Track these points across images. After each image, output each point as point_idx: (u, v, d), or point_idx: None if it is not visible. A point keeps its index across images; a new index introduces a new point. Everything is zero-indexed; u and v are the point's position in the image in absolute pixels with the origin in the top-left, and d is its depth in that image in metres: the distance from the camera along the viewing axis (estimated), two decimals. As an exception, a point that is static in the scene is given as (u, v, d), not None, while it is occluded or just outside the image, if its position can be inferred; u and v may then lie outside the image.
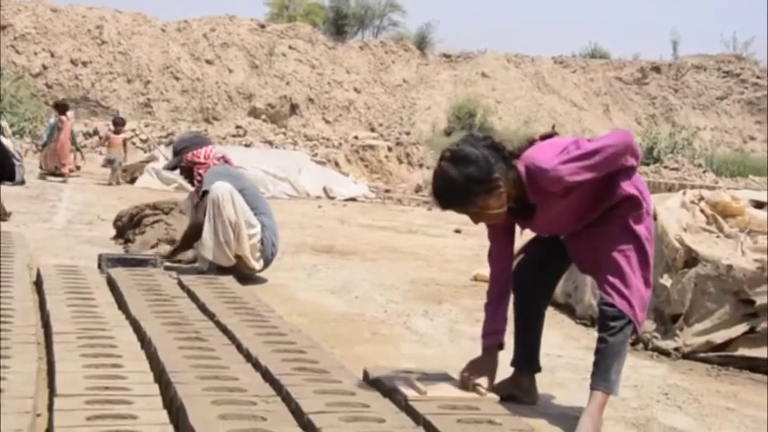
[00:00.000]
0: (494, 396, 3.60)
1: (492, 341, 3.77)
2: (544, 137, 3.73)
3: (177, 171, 7.08)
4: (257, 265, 6.55)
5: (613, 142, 3.53)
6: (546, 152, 3.54)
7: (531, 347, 3.95)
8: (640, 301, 3.57)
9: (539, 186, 3.51)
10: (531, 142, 3.68)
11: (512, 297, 3.89)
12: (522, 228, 3.80)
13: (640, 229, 3.59)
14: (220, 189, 6.37)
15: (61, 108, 17.73)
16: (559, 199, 3.55)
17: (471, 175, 3.43)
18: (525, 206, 3.61)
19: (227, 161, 6.87)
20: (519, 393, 3.88)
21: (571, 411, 3.88)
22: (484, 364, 3.74)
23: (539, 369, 3.98)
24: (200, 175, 6.67)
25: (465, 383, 3.66)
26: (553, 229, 3.81)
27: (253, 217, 6.50)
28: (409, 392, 3.45)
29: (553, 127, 3.99)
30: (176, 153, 6.89)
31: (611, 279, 3.55)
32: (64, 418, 2.85)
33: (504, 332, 3.79)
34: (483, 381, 3.69)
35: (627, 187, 3.58)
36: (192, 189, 6.92)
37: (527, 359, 3.94)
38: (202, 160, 6.72)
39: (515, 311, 3.94)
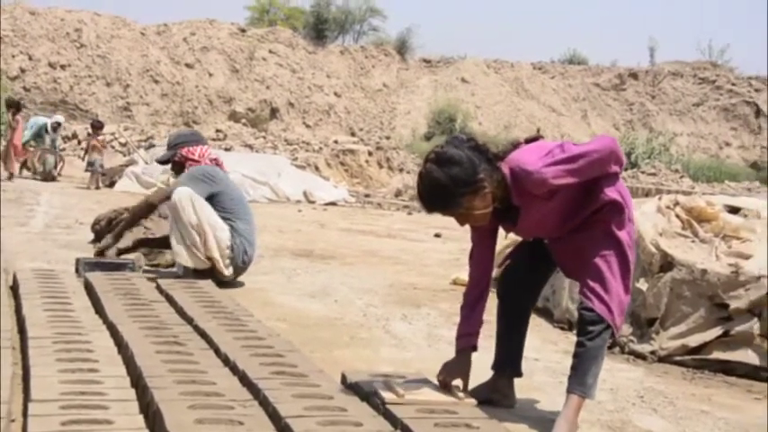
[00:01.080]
0: (471, 400, 3.62)
1: (466, 343, 3.79)
2: (529, 140, 3.74)
3: (169, 166, 7.06)
4: (226, 271, 6.48)
5: (598, 147, 3.55)
6: (531, 154, 3.55)
7: (513, 352, 3.95)
8: (619, 307, 3.56)
9: (523, 188, 3.52)
10: (515, 145, 3.69)
11: (496, 302, 3.91)
12: (507, 231, 3.81)
13: (622, 234, 3.59)
14: (179, 194, 6.38)
15: (15, 107, 17.76)
16: (543, 202, 3.57)
17: (456, 176, 3.44)
18: (509, 208, 3.62)
19: (218, 164, 6.83)
20: (497, 396, 3.89)
21: (549, 415, 3.90)
22: (458, 366, 3.77)
23: (519, 374, 3.97)
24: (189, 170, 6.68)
25: (442, 386, 3.69)
26: (537, 233, 3.82)
27: (219, 220, 6.46)
28: (387, 395, 3.47)
29: (538, 131, 4.01)
30: (171, 147, 6.88)
31: (591, 284, 3.56)
32: (39, 424, 2.84)
33: (478, 335, 3.81)
34: (458, 382, 3.74)
35: (610, 192, 3.59)
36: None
37: (509, 363, 3.94)
38: (197, 158, 6.73)
39: (500, 315, 3.94)
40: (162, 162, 7.41)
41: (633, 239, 3.68)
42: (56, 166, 18.20)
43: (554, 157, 3.49)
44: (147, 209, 6.79)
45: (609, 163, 3.57)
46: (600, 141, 3.63)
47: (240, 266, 6.58)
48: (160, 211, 7.49)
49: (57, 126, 19.37)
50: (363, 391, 3.55)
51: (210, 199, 6.49)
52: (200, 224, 6.33)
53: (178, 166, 6.80)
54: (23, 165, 18.34)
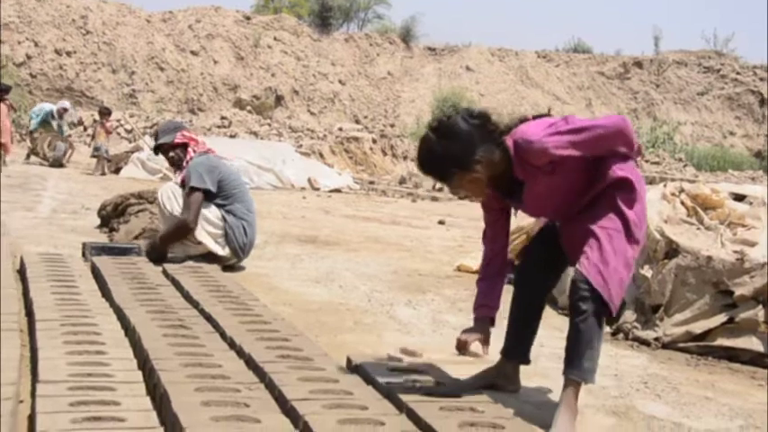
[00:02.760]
0: (488, 357, 3.68)
1: (485, 312, 3.80)
2: (537, 116, 3.70)
3: (168, 151, 7.02)
4: (221, 251, 6.56)
5: (605, 124, 3.51)
6: (536, 127, 3.53)
7: (525, 340, 3.89)
8: (618, 284, 3.40)
9: (525, 161, 3.48)
10: (522, 120, 3.65)
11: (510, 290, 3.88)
12: (516, 209, 3.77)
13: (629, 212, 3.48)
14: (163, 190, 6.73)
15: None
16: (547, 176, 3.51)
17: (451, 152, 3.46)
18: (515, 185, 3.59)
19: (209, 149, 6.89)
20: (501, 381, 3.89)
21: (553, 400, 3.92)
22: (476, 328, 3.79)
23: (527, 361, 3.93)
24: (194, 151, 6.71)
25: (460, 345, 3.73)
26: (544, 211, 3.79)
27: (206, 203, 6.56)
28: (407, 358, 3.56)
29: (549, 110, 3.97)
30: (168, 132, 6.86)
31: (588, 253, 3.42)
32: (46, 404, 2.85)
33: (497, 310, 3.80)
34: (477, 344, 3.76)
35: (618, 171, 3.51)
36: (174, 178, 6.91)
37: (518, 350, 3.89)
38: (197, 141, 6.87)
39: (514, 303, 3.87)
40: (158, 146, 7.39)
41: (643, 220, 3.56)
42: (65, 153, 18.12)
43: (558, 128, 3.46)
44: (186, 231, 6.56)
45: (615, 141, 3.51)
46: (608, 119, 3.58)
47: (240, 247, 6.62)
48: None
49: (63, 111, 19.34)
50: (368, 375, 3.57)
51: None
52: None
53: (181, 147, 6.78)
54: (32, 151, 18.35)
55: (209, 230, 6.52)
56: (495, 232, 3.84)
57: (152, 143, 17.65)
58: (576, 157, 3.46)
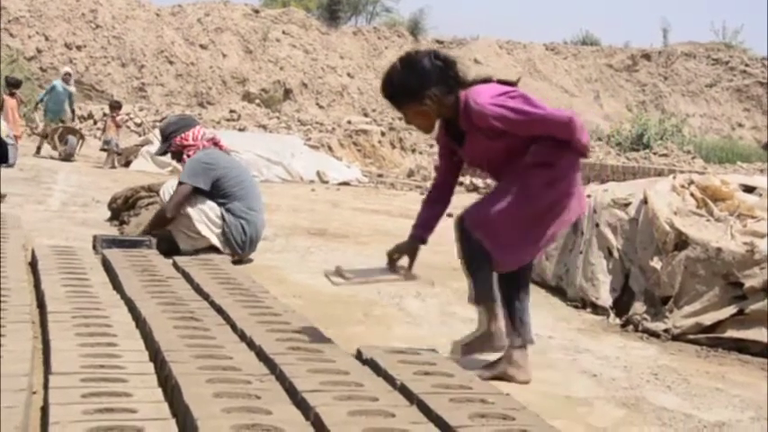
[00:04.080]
0: (413, 275, 4.10)
1: (418, 232, 4.12)
2: (503, 82, 3.96)
3: (168, 155, 7.10)
4: (222, 249, 6.57)
5: (549, 113, 3.79)
6: (488, 91, 3.82)
7: (518, 319, 4.00)
8: (493, 232, 3.80)
9: (468, 117, 3.80)
10: (485, 80, 3.95)
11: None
12: (457, 152, 4.05)
13: (541, 188, 3.79)
14: (163, 188, 6.83)
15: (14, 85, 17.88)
16: (487, 138, 3.82)
17: (407, 82, 3.81)
18: (460, 132, 3.90)
19: (216, 143, 6.88)
20: (512, 370, 3.92)
21: (563, 391, 3.93)
22: (406, 247, 4.11)
23: (530, 341, 4.01)
24: (188, 156, 6.72)
25: (389, 261, 4.10)
26: (480, 164, 4.08)
27: (207, 201, 6.59)
28: (335, 279, 3.90)
29: (518, 80, 4.17)
30: (165, 138, 6.91)
31: (488, 200, 3.88)
32: (59, 396, 2.87)
33: (431, 232, 4.14)
34: (404, 261, 4.10)
35: (549, 153, 3.80)
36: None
37: (515, 331, 3.98)
38: (191, 142, 6.77)
39: (500, 288, 3.98)
40: (159, 154, 7.49)
41: (556, 201, 3.84)
42: (77, 146, 17.88)
43: (503, 102, 3.76)
44: (163, 221, 6.70)
45: (555, 129, 3.77)
46: (556, 111, 3.88)
47: (238, 245, 6.62)
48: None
49: (68, 77, 19.08)
50: (379, 367, 3.58)
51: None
52: (185, 210, 6.53)
53: (176, 155, 6.86)
54: (41, 134, 18.31)
55: (210, 227, 6.54)
56: (446, 167, 4.16)
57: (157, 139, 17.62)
58: (519, 132, 3.78)
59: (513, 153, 3.84)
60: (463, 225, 3.91)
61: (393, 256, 4.10)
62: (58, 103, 18.56)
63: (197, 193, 6.56)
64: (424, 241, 4.13)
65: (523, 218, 3.81)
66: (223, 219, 6.58)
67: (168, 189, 6.73)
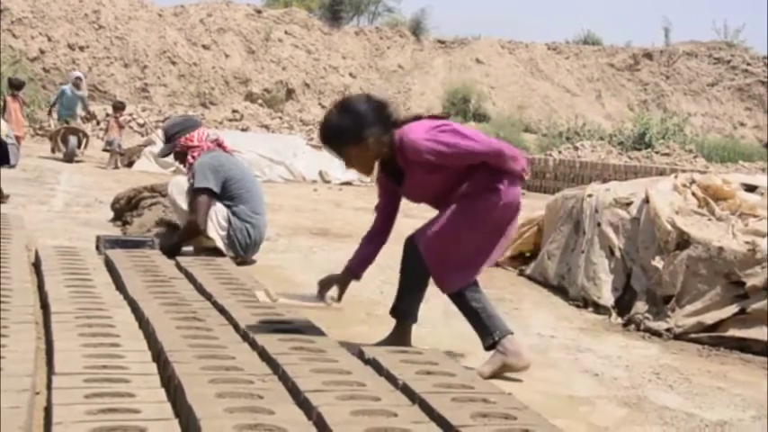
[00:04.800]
0: (340, 306, 4.23)
1: (354, 268, 4.31)
2: (433, 116, 4.15)
3: (171, 156, 7.07)
4: (225, 250, 6.55)
5: (476, 147, 3.95)
6: (420, 127, 4.00)
7: (483, 318, 4.12)
8: (438, 252, 4.04)
9: (404, 154, 3.98)
10: (417, 118, 4.13)
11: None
12: (396, 192, 4.25)
13: (484, 212, 3.99)
14: (171, 186, 6.81)
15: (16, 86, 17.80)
16: (425, 173, 4.00)
17: (344, 126, 3.97)
18: (397, 170, 4.08)
19: (220, 144, 6.85)
20: (509, 359, 4.02)
21: (564, 391, 3.94)
22: (338, 278, 4.30)
23: (508, 331, 4.11)
24: (193, 158, 6.67)
25: (322, 285, 4.25)
26: (421, 198, 4.24)
27: (216, 203, 6.58)
28: (262, 299, 3.99)
29: (448, 115, 4.32)
30: (168, 139, 6.86)
31: (436, 230, 4.05)
32: (62, 396, 2.88)
33: (365, 268, 4.34)
34: (333, 292, 4.26)
35: (486, 180, 3.98)
36: (185, 171, 6.94)
37: (488, 331, 4.11)
38: (196, 143, 6.73)
39: (404, 274, 4.36)
40: (162, 156, 7.49)
41: (495, 225, 4.03)
42: (79, 146, 17.60)
43: (435, 136, 3.93)
44: (195, 233, 6.62)
45: (487, 159, 3.96)
46: (489, 142, 4.04)
47: (242, 248, 6.62)
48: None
49: (79, 81, 18.72)
50: (382, 367, 3.59)
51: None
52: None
53: (180, 156, 6.82)
54: (50, 137, 18.21)
55: (216, 229, 6.54)
56: (383, 205, 4.34)
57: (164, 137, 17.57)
58: (453, 165, 3.96)
59: (452, 184, 4.03)
60: (412, 246, 4.17)
61: (324, 286, 4.26)
62: (69, 107, 18.32)
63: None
64: (357, 277, 4.33)
65: (468, 240, 4.02)
66: (229, 222, 6.58)
67: (177, 188, 6.71)
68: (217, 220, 6.55)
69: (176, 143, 6.75)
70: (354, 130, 3.95)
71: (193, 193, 6.53)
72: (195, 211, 6.50)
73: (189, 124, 6.94)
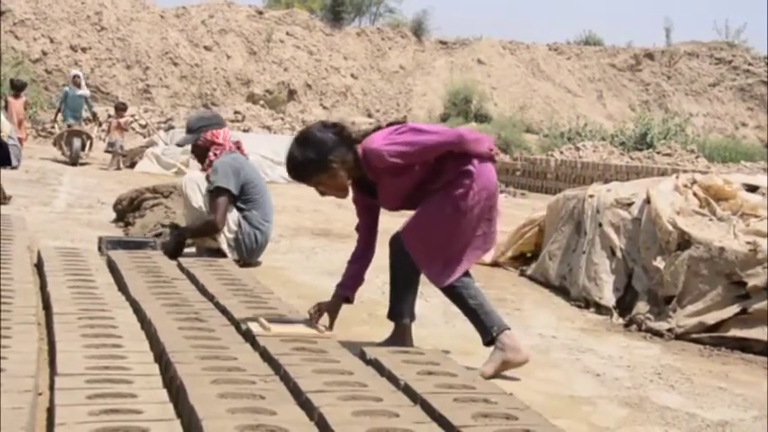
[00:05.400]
0: (330, 333, 4.12)
1: (342, 292, 4.32)
2: (391, 124, 4.20)
3: (189, 148, 6.98)
4: (230, 254, 6.51)
5: (436, 139, 4.01)
6: (380, 134, 4.09)
7: (480, 315, 4.14)
8: (432, 251, 4.07)
9: (370, 165, 4.05)
10: (376, 129, 4.18)
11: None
12: (373, 208, 4.31)
13: (462, 202, 4.02)
14: (186, 180, 6.67)
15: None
16: (393, 178, 4.06)
17: (308, 156, 4.04)
18: (370, 185, 4.16)
19: (239, 147, 6.81)
20: (508, 355, 4.03)
21: (566, 391, 3.94)
22: (329, 305, 4.28)
23: (505, 326, 4.13)
24: (215, 155, 6.60)
25: (311, 318, 4.21)
26: (396, 205, 4.26)
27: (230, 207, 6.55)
28: (256, 329, 3.91)
29: (404, 118, 4.33)
30: (193, 130, 6.73)
31: (417, 223, 4.11)
32: (65, 397, 2.88)
33: (356, 290, 4.37)
34: (324, 320, 4.24)
35: (458, 167, 4.03)
36: (188, 171, 6.92)
37: (486, 327, 4.13)
38: (221, 141, 6.66)
39: (393, 273, 4.38)
40: (182, 145, 7.43)
41: (476, 206, 4.04)
42: (83, 149, 17.32)
43: (395, 138, 4.01)
44: (211, 231, 6.56)
45: (450, 148, 4.01)
46: (447, 132, 4.13)
47: (247, 252, 6.60)
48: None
49: (77, 80, 18.51)
50: (383, 367, 3.59)
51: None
52: (205, 209, 6.50)
53: (201, 150, 6.71)
54: (60, 147, 18.06)
55: (224, 232, 6.52)
56: (363, 222, 4.37)
57: (166, 138, 17.41)
58: (418, 161, 4.02)
59: (423, 182, 4.09)
60: (397, 244, 4.20)
61: (314, 314, 4.25)
62: (75, 108, 18.16)
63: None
64: (348, 300, 4.36)
65: (451, 228, 4.05)
66: (239, 225, 6.55)
67: (191, 184, 6.58)
68: (227, 224, 6.52)
69: (201, 136, 6.65)
70: (318, 158, 4.04)
71: (215, 191, 6.46)
72: (215, 211, 6.44)
73: (217, 121, 6.89)
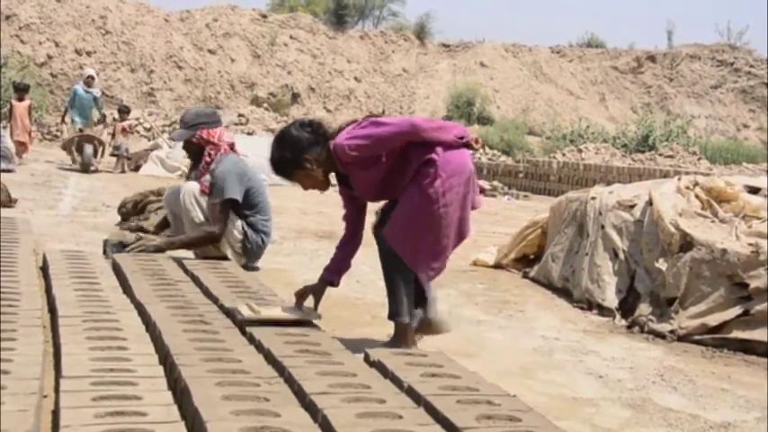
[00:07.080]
0: (316, 314, 4.32)
1: (327, 276, 4.48)
2: (368, 116, 4.36)
3: (181, 145, 6.83)
4: (237, 261, 6.42)
5: (391, 130, 4.11)
6: (346, 130, 4.24)
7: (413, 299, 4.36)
8: (411, 242, 4.17)
9: (339, 159, 4.21)
10: (351, 122, 4.34)
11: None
12: (355, 195, 4.43)
13: (430, 189, 4.09)
14: (184, 192, 6.47)
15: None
16: (362, 171, 4.21)
17: (285, 155, 4.27)
18: (345, 177, 4.32)
19: (233, 148, 6.73)
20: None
21: (569, 392, 3.96)
22: (314, 288, 4.46)
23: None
24: (210, 155, 6.48)
25: (299, 295, 4.41)
26: (372, 196, 4.41)
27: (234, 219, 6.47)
28: (246, 312, 4.12)
29: (383, 112, 4.39)
30: (189, 126, 6.55)
31: (395, 220, 4.21)
32: (70, 399, 2.89)
33: (341, 275, 4.52)
34: (311, 299, 4.41)
35: (418, 157, 4.11)
36: (185, 170, 6.85)
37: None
38: (216, 141, 6.51)
39: (384, 274, 4.42)
40: (175, 139, 7.33)
41: (447, 193, 4.11)
42: (95, 155, 16.53)
43: (355, 132, 4.18)
44: (212, 241, 6.46)
45: (407, 138, 4.11)
46: (399, 124, 4.17)
47: (255, 256, 6.58)
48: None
49: (90, 80, 17.86)
50: (386, 370, 3.60)
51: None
52: (204, 221, 6.40)
53: (194, 147, 6.56)
54: (62, 147, 17.75)
55: (230, 242, 6.45)
56: (348, 212, 4.52)
57: (171, 141, 17.28)
58: (378, 154, 4.14)
59: (392, 172, 4.20)
60: (386, 245, 4.29)
61: (300, 296, 4.41)
62: (83, 109, 17.54)
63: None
64: (333, 284, 4.50)
65: (426, 219, 4.14)
66: (244, 233, 6.47)
67: (190, 198, 6.46)
68: (232, 236, 6.44)
69: (197, 133, 6.50)
70: (293, 157, 4.24)
71: (222, 203, 6.33)
72: (216, 221, 6.33)
73: (214, 118, 6.70)
